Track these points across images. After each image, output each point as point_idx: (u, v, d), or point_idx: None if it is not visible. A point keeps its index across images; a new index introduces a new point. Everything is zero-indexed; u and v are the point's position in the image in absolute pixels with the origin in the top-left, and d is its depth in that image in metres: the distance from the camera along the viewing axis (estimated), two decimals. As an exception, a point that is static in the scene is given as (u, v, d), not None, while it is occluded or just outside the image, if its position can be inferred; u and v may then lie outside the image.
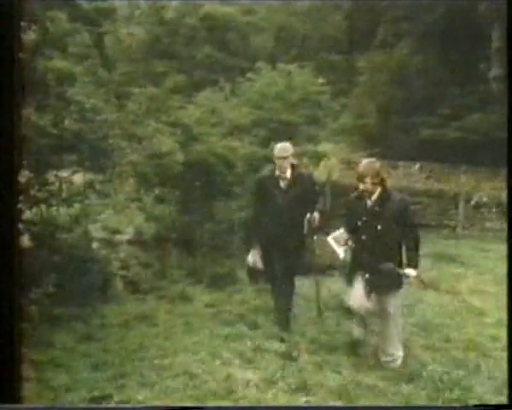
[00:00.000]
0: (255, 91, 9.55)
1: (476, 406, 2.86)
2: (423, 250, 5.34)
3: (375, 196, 5.08)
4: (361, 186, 5.04)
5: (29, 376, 4.58)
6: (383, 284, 5.07)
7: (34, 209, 6.36)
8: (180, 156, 7.29)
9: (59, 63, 5.93)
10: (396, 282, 5.09)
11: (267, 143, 9.24)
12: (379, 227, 5.04)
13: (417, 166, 12.51)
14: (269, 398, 4.35)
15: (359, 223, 5.15)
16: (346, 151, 12.06)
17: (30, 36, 5.34)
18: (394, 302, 5.13)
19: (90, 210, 6.92)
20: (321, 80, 9.77)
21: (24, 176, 6.23)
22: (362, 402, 4.32)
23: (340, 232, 5.27)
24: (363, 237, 5.12)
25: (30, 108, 5.19)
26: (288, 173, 5.78)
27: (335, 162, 12.00)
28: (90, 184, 6.94)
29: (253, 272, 6.23)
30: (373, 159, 5.23)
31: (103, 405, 4.00)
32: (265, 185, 5.90)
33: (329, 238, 5.30)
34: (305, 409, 3.08)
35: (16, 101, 2.35)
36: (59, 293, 5.73)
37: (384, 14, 12.57)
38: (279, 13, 13.15)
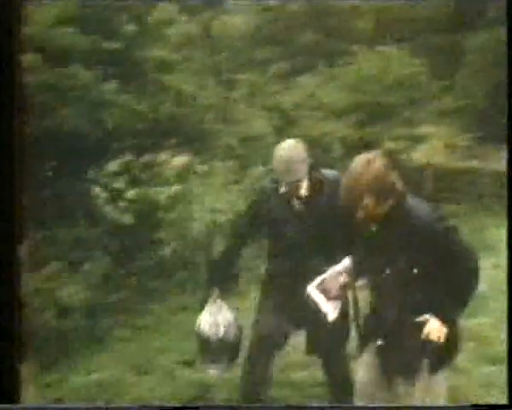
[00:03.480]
0: (352, 75, 9.59)
1: (476, 406, 2.85)
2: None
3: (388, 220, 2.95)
4: (359, 213, 2.92)
5: (126, 337, 5.01)
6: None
7: (136, 190, 6.87)
8: (273, 139, 7.51)
9: (158, 52, 6.33)
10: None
11: (364, 126, 9.29)
12: (401, 264, 2.94)
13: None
14: None
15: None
16: (449, 134, 11.77)
17: (129, 27, 5.76)
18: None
19: (189, 191, 7.31)
20: (420, 62, 9.64)
21: (126, 158, 6.77)
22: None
23: (335, 272, 3.24)
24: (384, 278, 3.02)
25: (129, 95, 5.62)
26: (304, 188, 3.62)
27: (438, 145, 11.75)
28: (188, 166, 7.37)
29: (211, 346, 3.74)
30: (370, 156, 2.95)
31: (103, 405, 4.17)
32: (266, 212, 3.71)
33: (311, 287, 3.24)
34: (305, 409, 3.13)
35: (16, 104, 2.49)
36: (157, 268, 6.15)
37: (493, -9, 12.10)
38: (382, -5, 13.02)
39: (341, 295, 3.26)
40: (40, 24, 5.52)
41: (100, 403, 4.18)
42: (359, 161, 2.92)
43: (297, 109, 8.99)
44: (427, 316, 2.97)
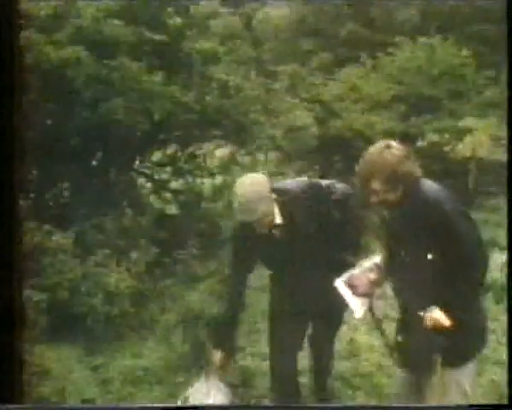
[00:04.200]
0: (396, 66, 9.50)
1: (476, 406, 2.80)
2: None
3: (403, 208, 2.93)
4: (372, 198, 2.93)
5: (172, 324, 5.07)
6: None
7: (181, 180, 6.98)
8: (314, 131, 7.52)
9: (203, 44, 6.40)
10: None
11: (407, 118, 9.21)
12: (429, 256, 2.89)
13: None
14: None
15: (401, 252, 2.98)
16: (495, 126, 11.56)
17: (175, 21, 5.84)
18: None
19: (232, 182, 7.37)
20: (465, 52, 9.49)
21: (171, 149, 6.88)
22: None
23: (363, 268, 3.15)
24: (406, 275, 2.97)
25: (173, 86, 5.70)
26: (278, 216, 3.37)
27: (483, 138, 11.56)
28: (232, 157, 7.44)
29: None
30: (391, 142, 2.93)
31: (103, 405, 4.22)
32: (249, 251, 3.45)
33: (339, 281, 3.13)
34: (305, 409, 3.12)
35: (17, 100, 2.49)
36: (202, 256, 6.23)
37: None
38: (427, -15, 12.86)
39: (370, 293, 3.15)
40: (89, 17, 5.66)
41: (100, 403, 4.24)
42: (375, 148, 2.91)
43: (340, 101, 8.97)
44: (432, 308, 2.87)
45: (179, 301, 5.34)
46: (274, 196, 3.35)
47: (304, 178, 3.70)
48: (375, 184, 2.86)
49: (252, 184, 3.32)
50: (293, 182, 3.60)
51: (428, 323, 2.89)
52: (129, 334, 5.14)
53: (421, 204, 2.90)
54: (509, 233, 2.38)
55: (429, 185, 2.98)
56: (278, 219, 3.38)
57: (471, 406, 2.93)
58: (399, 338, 3.15)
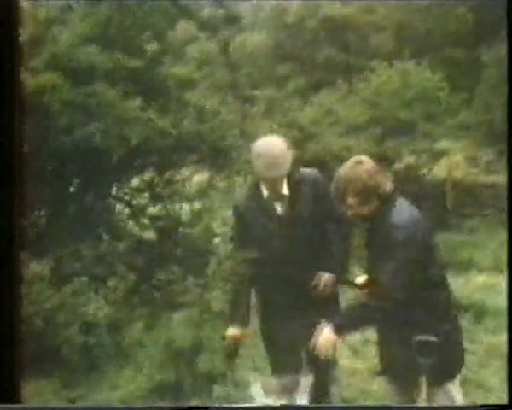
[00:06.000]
0: (371, 90, 9.62)
1: (475, 406, 2.82)
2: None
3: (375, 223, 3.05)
4: (348, 212, 3.09)
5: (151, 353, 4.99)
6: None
7: (159, 206, 6.91)
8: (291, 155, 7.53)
9: (180, 69, 6.41)
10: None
11: (383, 141, 9.29)
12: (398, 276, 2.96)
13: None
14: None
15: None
16: (470, 148, 11.73)
17: (152, 46, 5.84)
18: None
19: (210, 207, 7.34)
20: (439, 76, 9.64)
21: (148, 174, 6.82)
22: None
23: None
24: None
25: (151, 111, 5.68)
26: (285, 188, 3.48)
27: (458, 159, 11.71)
28: (210, 182, 7.39)
29: None
30: (362, 158, 3.07)
31: (103, 405, 4.20)
32: (249, 220, 3.57)
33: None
34: (305, 409, 3.12)
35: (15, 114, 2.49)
36: (179, 281, 6.15)
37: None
38: (399, 10, 13.05)
39: None
40: (64, 43, 5.63)
41: (100, 403, 4.20)
42: (348, 163, 3.07)
43: (316, 124, 9.03)
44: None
45: (158, 330, 5.27)
46: (290, 156, 3.43)
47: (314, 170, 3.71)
48: (349, 199, 3.01)
49: (274, 141, 3.46)
50: (309, 169, 3.66)
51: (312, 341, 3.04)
52: (106, 364, 5.04)
53: (392, 223, 2.99)
54: (509, 233, 2.43)
55: (402, 204, 3.07)
56: (285, 191, 3.48)
57: (471, 406, 2.94)
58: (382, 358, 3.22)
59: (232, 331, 3.64)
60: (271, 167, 3.36)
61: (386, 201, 3.03)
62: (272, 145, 3.43)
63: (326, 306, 3.48)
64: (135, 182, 6.91)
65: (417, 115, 9.46)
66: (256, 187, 3.58)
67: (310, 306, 3.46)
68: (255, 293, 3.77)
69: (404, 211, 3.04)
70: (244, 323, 3.66)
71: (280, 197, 3.49)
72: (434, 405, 3.04)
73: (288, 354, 3.58)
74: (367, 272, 3.22)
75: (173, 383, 4.57)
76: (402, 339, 2.98)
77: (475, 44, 12.63)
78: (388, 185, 3.06)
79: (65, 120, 5.50)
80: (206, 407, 3.34)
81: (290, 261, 3.52)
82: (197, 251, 6.70)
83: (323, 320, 3.09)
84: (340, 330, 3.05)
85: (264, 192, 3.51)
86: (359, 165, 3.01)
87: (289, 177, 3.46)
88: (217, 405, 3.54)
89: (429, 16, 12.58)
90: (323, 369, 3.45)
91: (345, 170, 3.04)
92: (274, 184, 3.44)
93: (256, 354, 4.34)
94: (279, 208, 3.52)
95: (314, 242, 3.54)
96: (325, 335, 3.04)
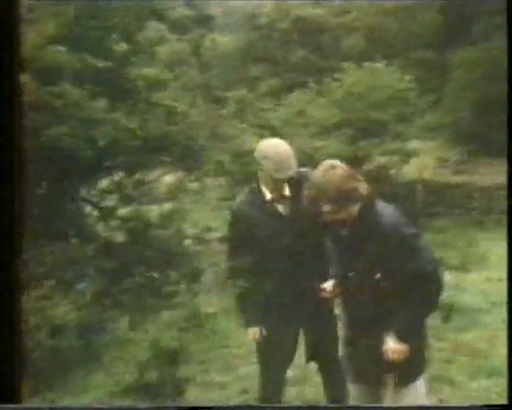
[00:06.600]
0: (342, 91, 9.66)
1: (475, 406, 2.86)
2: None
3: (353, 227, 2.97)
4: (323, 218, 2.98)
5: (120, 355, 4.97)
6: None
7: (128, 207, 6.85)
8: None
9: (149, 70, 6.36)
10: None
11: (355, 141, 9.34)
12: (380, 278, 2.93)
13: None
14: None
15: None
16: (440, 149, 11.85)
17: (121, 47, 5.79)
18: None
19: (180, 208, 7.30)
20: (409, 77, 9.73)
21: (118, 176, 6.76)
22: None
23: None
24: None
25: (117, 113, 5.63)
26: (287, 188, 3.55)
27: (428, 160, 11.82)
28: (180, 184, 7.37)
29: None
30: (334, 162, 2.97)
31: (103, 405, 4.18)
32: (251, 223, 3.59)
33: None
34: (305, 409, 3.14)
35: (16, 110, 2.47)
36: (150, 284, 6.12)
37: (479, 7, 12.28)
38: (370, 13, 13.17)
39: None
40: (31, 43, 5.54)
41: (100, 403, 4.17)
42: (320, 169, 2.97)
43: (288, 125, 9.04)
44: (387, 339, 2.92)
45: (128, 333, 5.24)
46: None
47: None
48: (324, 205, 2.91)
49: (280, 143, 3.56)
50: (305, 168, 3.64)
51: (391, 356, 2.92)
52: (76, 368, 4.99)
53: (376, 226, 2.92)
54: (509, 233, 2.44)
55: (384, 207, 3.02)
56: (287, 191, 3.54)
57: (471, 406, 2.96)
58: (348, 355, 3.20)
59: (253, 331, 3.64)
60: (282, 169, 3.42)
61: (367, 204, 2.95)
62: (279, 147, 3.50)
63: None
64: (104, 183, 6.85)
65: (388, 116, 9.54)
66: (257, 190, 3.60)
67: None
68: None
69: (386, 212, 2.99)
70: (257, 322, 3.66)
71: (283, 198, 3.55)
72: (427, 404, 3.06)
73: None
74: (337, 277, 3.16)
75: (144, 386, 4.56)
76: (370, 338, 2.99)
77: (444, 46, 12.78)
78: (364, 188, 2.98)
79: (31, 121, 5.42)
80: (207, 407, 3.33)
81: (297, 261, 3.52)
82: (168, 253, 6.67)
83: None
84: None
85: (267, 195, 3.56)
86: (332, 170, 2.93)
87: (290, 177, 3.50)
88: (219, 405, 3.52)
89: (400, 18, 12.71)
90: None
91: (317, 175, 2.95)
92: (279, 186, 3.51)
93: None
94: (282, 209, 3.58)
95: (318, 240, 3.46)
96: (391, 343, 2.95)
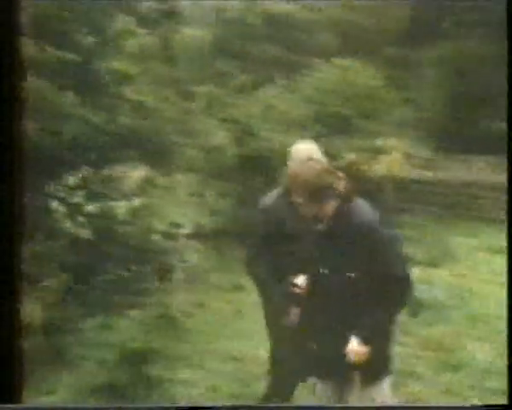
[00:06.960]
0: (311, 87, 9.67)
1: (476, 406, 2.89)
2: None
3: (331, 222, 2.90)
4: (301, 211, 2.96)
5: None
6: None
7: (96, 203, 6.76)
8: (232, 151, 7.51)
9: (117, 64, 6.27)
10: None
11: (324, 137, 9.35)
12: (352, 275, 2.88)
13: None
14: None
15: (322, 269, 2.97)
16: (410, 145, 11.94)
17: (89, 40, 5.70)
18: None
19: (149, 204, 7.24)
20: (379, 74, 9.77)
21: (85, 171, 6.66)
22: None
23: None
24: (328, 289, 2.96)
25: (84, 108, 5.54)
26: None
27: (398, 157, 11.90)
28: (149, 179, 7.30)
29: None
30: (312, 151, 3.00)
31: (103, 405, 4.16)
32: (280, 222, 3.56)
33: None
34: (305, 409, 3.14)
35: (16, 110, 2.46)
36: (117, 281, 6.06)
37: (450, 4, 12.40)
38: (341, 9, 13.18)
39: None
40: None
41: (100, 403, 4.11)
42: (297, 160, 3.01)
43: (256, 121, 9.01)
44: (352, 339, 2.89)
45: (95, 331, 5.18)
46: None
47: None
48: (298, 198, 2.90)
49: (312, 147, 3.58)
50: None
51: (353, 357, 2.91)
52: (42, 369, 4.90)
53: (352, 224, 2.90)
54: (509, 232, 2.43)
55: (362, 206, 2.99)
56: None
57: (470, 406, 2.97)
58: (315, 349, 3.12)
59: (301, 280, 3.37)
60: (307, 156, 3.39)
61: (344, 201, 2.90)
62: (313, 150, 3.52)
63: None
64: (70, 179, 6.75)
65: (357, 112, 9.57)
66: (286, 192, 3.53)
67: None
68: None
69: (363, 210, 2.96)
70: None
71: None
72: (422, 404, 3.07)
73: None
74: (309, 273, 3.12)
75: (111, 386, 4.51)
76: (336, 336, 2.98)
77: (415, 43, 12.86)
78: (342, 185, 2.93)
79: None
80: (207, 407, 3.32)
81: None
82: (136, 249, 6.62)
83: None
84: None
85: (298, 199, 3.34)
86: (309, 162, 2.93)
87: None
88: (219, 405, 3.51)
89: (370, 15, 12.74)
90: None
91: (294, 167, 2.95)
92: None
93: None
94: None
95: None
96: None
